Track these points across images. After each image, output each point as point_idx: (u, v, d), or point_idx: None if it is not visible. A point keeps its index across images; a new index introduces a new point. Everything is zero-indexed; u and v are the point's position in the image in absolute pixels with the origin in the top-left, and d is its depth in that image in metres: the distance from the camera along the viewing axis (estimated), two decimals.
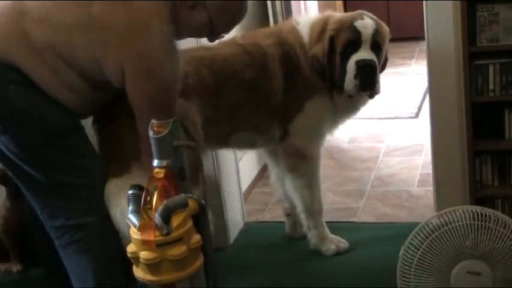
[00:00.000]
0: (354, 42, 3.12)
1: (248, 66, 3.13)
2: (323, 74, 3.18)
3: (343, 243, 3.52)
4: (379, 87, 3.18)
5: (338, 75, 3.15)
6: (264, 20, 4.69)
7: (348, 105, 3.33)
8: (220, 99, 3.07)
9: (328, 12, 3.35)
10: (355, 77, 3.10)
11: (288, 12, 4.88)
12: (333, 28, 3.15)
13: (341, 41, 3.13)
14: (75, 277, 2.67)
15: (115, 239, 2.61)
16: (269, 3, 4.72)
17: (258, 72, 3.14)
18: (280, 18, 4.74)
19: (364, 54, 3.11)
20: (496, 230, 2.59)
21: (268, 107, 3.20)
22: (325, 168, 4.48)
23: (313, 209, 3.42)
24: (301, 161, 3.33)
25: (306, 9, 5.73)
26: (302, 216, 3.46)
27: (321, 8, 6.21)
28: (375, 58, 3.12)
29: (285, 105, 3.20)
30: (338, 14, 3.34)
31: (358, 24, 3.12)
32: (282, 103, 3.21)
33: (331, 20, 3.19)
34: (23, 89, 2.49)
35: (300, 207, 3.43)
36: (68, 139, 2.58)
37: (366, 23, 3.13)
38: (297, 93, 3.22)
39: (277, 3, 4.75)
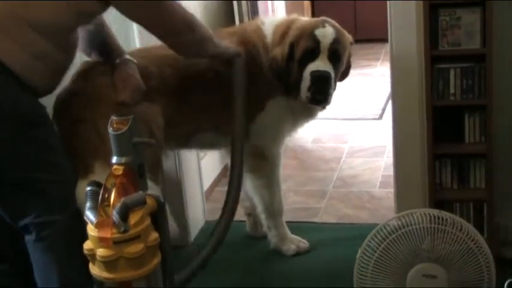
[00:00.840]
0: (313, 50, 3.12)
1: (211, 65, 3.12)
2: (280, 78, 3.19)
3: (304, 244, 3.53)
4: (331, 98, 3.20)
5: (294, 81, 3.17)
6: (230, 20, 4.68)
7: (305, 109, 3.34)
8: (183, 99, 3.05)
9: (294, 16, 3.35)
10: (309, 89, 3.11)
11: (254, 12, 4.88)
12: (294, 34, 3.15)
13: (300, 49, 3.13)
14: (39, 276, 2.64)
15: (82, 238, 2.59)
16: (235, 3, 4.71)
17: (221, 71, 3.13)
18: (246, 18, 4.74)
19: (321, 64, 3.11)
20: (452, 233, 2.62)
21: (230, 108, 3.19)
22: (287, 168, 4.50)
23: (273, 210, 3.43)
24: (261, 161, 3.33)
25: (273, 10, 5.74)
26: (262, 216, 3.47)
27: (288, 9, 6.23)
28: (331, 69, 3.13)
29: (246, 105, 3.20)
30: (303, 18, 3.33)
31: (318, 32, 3.12)
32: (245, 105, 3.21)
33: (294, 26, 3.19)
34: None
35: (260, 207, 3.44)
36: (38, 130, 2.55)
37: (326, 31, 3.14)
38: (259, 93, 3.22)
39: (243, 3, 4.75)
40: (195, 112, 3.11)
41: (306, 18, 3.36)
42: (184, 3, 3.59)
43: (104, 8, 2.70)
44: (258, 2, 5.09)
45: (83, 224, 2.57)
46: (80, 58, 3.00)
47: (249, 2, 4.82)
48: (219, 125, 3.23)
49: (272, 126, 3.32)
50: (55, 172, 2.57)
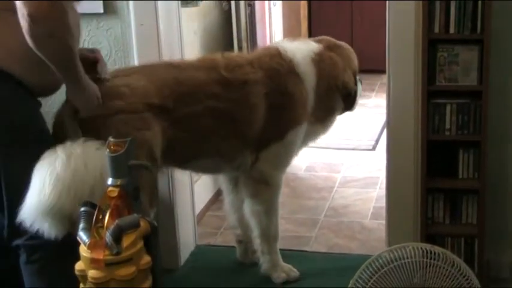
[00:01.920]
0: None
1: (225, 97, 3.06)
2: (349, 97, 3.45)
3: (294, 272, 3.52)
4: None
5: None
6: (228, 44, 4.71)
7: (312, 132, 3.41)
8: (183, 124, 2.98)
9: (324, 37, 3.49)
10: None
11: (253, 38, 4.90)
12: (354, 62, 3.51)
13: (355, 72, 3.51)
14: None
15: (73, 262, 2.57)
16: (234, 29, 4.74)
17: (236, 104, 3.09)
18: (244, 44, 4.76)
19: None
20: (444, 268, 2.62)
21: (243, 136, 3.15)
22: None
23: (270, 235, 3.42)
24: (263, 187, 3.32)
25: (271, 36, 5.77)
26: (257, 242, 3.45)
27: (285, 34, 6.27)
28: None
29: (262, 135, 3.18)
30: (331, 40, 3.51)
31: None
32: (261, 133, 3.18)
33: (349, 53, 3.49)
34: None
35: (256, 232, 3.41)
36: (41, 145, 2.54)
37: None
38: (281, 123, 3.22)
39: (243, 29, 4.78)
40: (195, 138, 3.04)
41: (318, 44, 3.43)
42: (184, 25, 3.65)
43: None
44: (257, 28, 5.12)
45: (75, 248, 2.58)
46: None
47: (248, 28, 4.84)
48: (225, 153, 3.17)
49: (284, 155, 3.32)
50: None
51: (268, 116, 3.16)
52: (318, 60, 3.32)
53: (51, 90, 2.72)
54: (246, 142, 3.18)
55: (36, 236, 2.52)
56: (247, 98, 3.10)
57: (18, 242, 2.58)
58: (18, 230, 2.53)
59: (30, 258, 2.58)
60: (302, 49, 3.33)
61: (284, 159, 3.35)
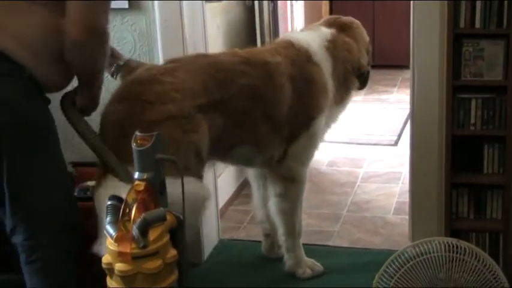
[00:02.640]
0: None
1: (252, 75, 3.04)
2: (363, 77, 3.50)
3: (318, 267, 3.52)
4: None
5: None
6: (251, 39, 4.72)
7: (332, 115, 3.44)
8: (226, 112, 2.96)
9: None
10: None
11: (275, 34, 4.91)
12: (367, 42, 3.54)
13: (369, 53, 3.55)
14: None
15: (73, 261, 2.58)
16: (257, 24, 4.76)
17: (263, 81, 3.06)
18: (267, 39, 4.77)
19: None
20: (470, 263, 2.61)
21: (272, 120, 3.12)
22: None
23: (294, 231, 3.41)
24: (289, 184, 3.31)
25: (292, 30, 5.79)
26: (282, 239, 3.45)
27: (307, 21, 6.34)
28: None
29: (291, 125, 3.17)
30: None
31: None
32: (289, 123, 3.17)
33: (363, 36, 3.52)
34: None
35: (281, 230, 3.41)
36: (46, 139, 2.55)
37: None
38: (306, 113, 3.22)
39: (266, 25, 4.79)
40: (235, 122, 3.01)
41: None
42: (208, 21, 3.66)
43: None
44: (279, 24, 5.13)
45: (77, 246, 2.58)
46: None
47: (271, 22, 4.86)
48: (257, 139, 3.14)
49: (310, 147, 3.32)
50: (52, 190, 2.56)
51: (295, 102, 3.14)
52: (332, 48, 3.32)
53: (61, 86, 2.69)
54: (275, 128, 3.14)
55: (34, 236, 2.54)
56: (272, 77, 3.08)
57: (17, 240, 2.56)
58: (15, 228, 2.54)
59: (29, 258, 2.56)
60: (315, 38, 3.32)
61: (310, 152, 3.35)
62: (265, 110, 3.09)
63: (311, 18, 6.88)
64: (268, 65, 3.09)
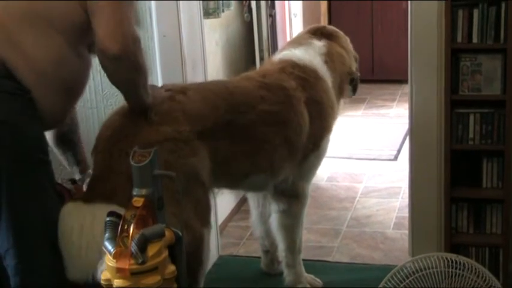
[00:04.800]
0: None
1: (273, 100, 3.03)
2: (355, 84, 3.54)
3: (318, 282, 3.52)
4: None
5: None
6: (250, 56, 4.74)
7: None
8: (243, 136, 2.93)
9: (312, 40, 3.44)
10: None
11: (274, 49, 4.92)
12: (353, 51, 3.56)
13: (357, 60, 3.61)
14: None
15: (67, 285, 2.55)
16: (256, 39, 4.77)
17: (284, 107, 3.06)
18: (266, 55, 4.78)
19: None
20: (469, 278, 2.61)
21: (291, 145, 3.09)
22: None
23: (295, 247, 3.41)
24: (293, 201, 3.31)
25: (283, 47, 5.79)
26: (282, 254, 3.44)
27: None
28: None
29: (304, 145, 3.16)
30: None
31: None
32: (303, 146, 3.17)
33: (348, 46, 3.53)
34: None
35: (282, 245, 3.40)
36: (42, 163, 2.51)
37: None
38: (316, 135, 3.21)
39: (264, 40, 4.81)
40: (252, 149, 2.97)
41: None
42: (206, 36, 3.67)
43: None
44: (278, 39, 5.15)
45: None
46: None
47: (269, 37, 4.88)
48: (273, 166, 3.09)
49: (317, 165, 3.34)
50: (42, 212, 2.50)
51: (309, 126, 3.15)
52: (330, 61, 3.34)
53: (57, 120, 2.64)
54: (292, 153, 3.12)
55: (28, 259, 2.47)
56: (291, 103, 3.08)
57: (6, 262, 2.50)
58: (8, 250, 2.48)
59: (16, 284, 2.49)
60: (312, 54, 3.33)
61: (315, 170, 3.37)
62: (287, 135, 3.07)
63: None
64: (286, 90, 3.09)
